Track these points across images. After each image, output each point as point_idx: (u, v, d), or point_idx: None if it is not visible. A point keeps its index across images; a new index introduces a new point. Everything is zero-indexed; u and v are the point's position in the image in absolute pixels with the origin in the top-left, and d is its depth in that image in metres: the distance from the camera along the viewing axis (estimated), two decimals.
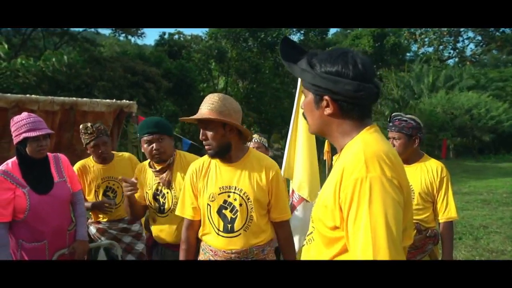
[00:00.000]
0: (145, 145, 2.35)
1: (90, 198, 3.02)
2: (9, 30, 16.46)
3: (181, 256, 2.08)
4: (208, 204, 1.97)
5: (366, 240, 0.98)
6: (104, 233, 2.99)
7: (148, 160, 2.49)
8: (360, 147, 1.09)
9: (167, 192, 2.38)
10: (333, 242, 1.12)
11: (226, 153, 1.93)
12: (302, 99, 3.54)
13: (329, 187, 1.11)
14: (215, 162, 2.00)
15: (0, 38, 7.56)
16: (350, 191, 1.02)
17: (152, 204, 2.41)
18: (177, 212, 2.11)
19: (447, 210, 2.40)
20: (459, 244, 5.12)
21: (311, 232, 1.24)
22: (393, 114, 2.52)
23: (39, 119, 2.38)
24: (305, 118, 1.28)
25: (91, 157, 3.06)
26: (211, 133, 1.88)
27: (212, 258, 1.97)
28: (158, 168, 2.40)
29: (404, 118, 2.43)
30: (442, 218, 2.42)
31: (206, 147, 1.92)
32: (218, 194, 1.94)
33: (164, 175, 2.38)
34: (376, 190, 1.00)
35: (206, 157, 2.04)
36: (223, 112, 1.87)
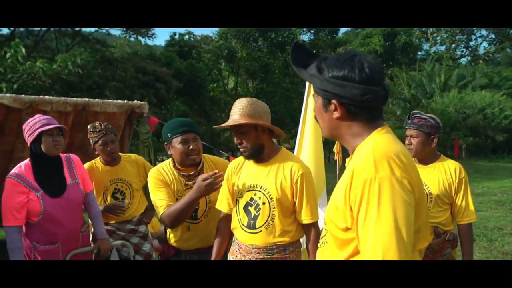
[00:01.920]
0: (179, 145, 2.21)
1: (99, 200, 3.02)
2: (22, 31, 16.73)
3: (214, 245, 2.18)
4: (237, 200, 2.07)
5: (375, 241, 0.98)
6: (112, 235, 3.00)
7: (165, 166, 2.36)
8: (370, 148, 1.09)
9: None
10: (346, 244, 1.12)
11: (260, 154, 2.01)
12: (310, 101, 3.55)
13: (340, 189, 1.12)
14: (249, 161, 2.08)
15: (18, 42, 7.64)
16: (359, 191, 1.02)
17: None
18: (216, 206, 2.21)
19: (467, 212, 2.34)
20: (473, 246, 5.04)
21: (324, 235, 1.24)
22: (412, 111, 2.47)
23: (51, 117, 2.42)
24: (317, 121, 1.30)
25: (98, 158, 3.05)
26: (245, 136, 1.96)
27: (237, 251, 2.07)
28: (189, 173, 2.31)
29: (424, 116, 2.38)
30: (461, 221, 2.36)
31: (241, 149, 2.00)
32: (246, 191, 2.03)
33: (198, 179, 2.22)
34: (385, 191, 0.99)
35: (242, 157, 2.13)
36: (254, 115, 1.94)
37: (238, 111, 1.97)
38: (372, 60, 1.15)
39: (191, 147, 2.22)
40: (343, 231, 1.11)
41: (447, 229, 2.38)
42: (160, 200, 2.22)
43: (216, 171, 2.04)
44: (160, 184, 2.28)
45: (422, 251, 1.14)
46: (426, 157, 2.39)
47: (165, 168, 2.35)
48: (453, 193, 2.36)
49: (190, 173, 2.31)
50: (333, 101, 1.16)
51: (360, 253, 1.07)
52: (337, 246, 1.16)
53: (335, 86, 1.14)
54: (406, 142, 2.39)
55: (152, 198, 2.28)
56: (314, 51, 1.36)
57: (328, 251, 1.21)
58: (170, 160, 2.37)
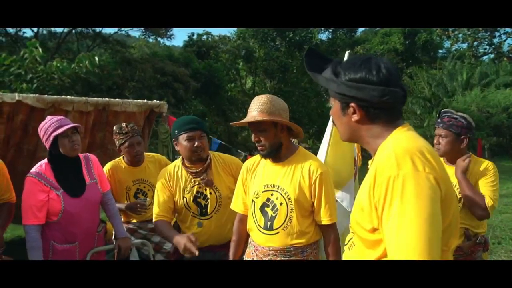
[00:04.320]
0: (185, 142, 2.28)
1: (121, 200, 3.05)
2: (45, 34, 17.12)
3: (231, 247, 2.18)
4: (253, 200, 2.04)
5: (399, 240, 0.96)
6: (134, 233, 3.04)
7: (176, 163, 2.44)
8: (391, 146, 1.08)
9: (210, 193, 2.35)
10: (375, 245, 1.10)
11: (278, 153, 1.98)
12: None
13: (364, 190, 1.11)
14: (265, 160, 2.06)
15: (34, 42, 7.81)
16: (383, 190, 1.01)
17: (193, 208, 2.36)
18: (231, 206, 2.21)
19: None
20: (499, 249, 4.90)
21: (351, 238, 1.23)
22: (443, 110, 2.40)
23: (63, 117, 2.40)
24: (335, 125, 1.29)
25: (121, 158, 3.08)
26: (263, 134, 1.92)
27: (254, 253, 2.04)
28: (196, 169, 2.35)
29: (455, 116, 2.30)
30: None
31: (259, 148, 1.96)
32: (262, 192, 2.00)
33: (205, 175, 2.34)
34: (409, 187, 0.97)
35: (258, 155, 2.11)
36: (273, 112, 1.91)
37: (257, 108, 1.93)
38: (388, 62, 1.15)
39: (196, 144, 2.27)
40: (370, 233, 1.09)
41: (478, 232, 2.30)
42: (156, 207, 2.37)
43: (197, 253, 2.00)
44: (163, 188, 2.38)
45: (452, 251, 1.11)
46: (455, 158, 2.32)
47: (175, 167, 2.42)
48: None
49: (197, 170, 2.35)
50: (352, 104, 1.16)
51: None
52: (366, 247, 1.14)
53: (353, 89, 1.13)
54: (435, 141, 2.33)
55: (155, 198, 2.41)
56: (332, 50, 1.34)
57: (357, 253, 1.19)
58: (180, 157, 2.43)
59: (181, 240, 2.07)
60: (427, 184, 0.98)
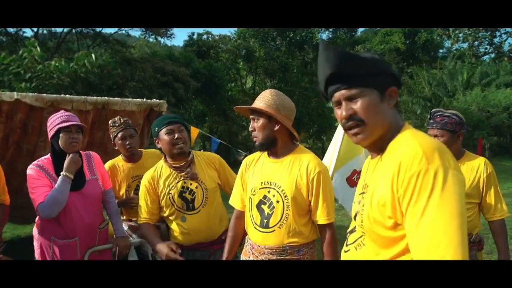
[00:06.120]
0: (165, 136, 2.31)
1: (122, 197, 3.05)
2: (45, 34, 17.13)
3: (227, 243, 2.17)
4: (250, 197, 2.02)
5: (431, 237, 0.92)
6: (136, 231, 3.03)
7: (158, 164, 2.45)
8: (413, 141, 1.04)
9: (196, 187, 2.36)
10: (392, 243, 1.06)
11: (272, 147, 1.98)
12: None
13: (383, 186, 1.05)
14: (263, 157, 2.05)
15: (33, 41, 7.81)
16: (411, 184, 0.97)
17: (178, 203, 2.36)
18: (230, 202, 2.20)
19: (500, 207, 2.27)
20: None
21: (359, 237, 1.18)
22: (433, 110, 2.39)
23: (73, 114, 2.45)
24: (348, 129, 1.16)
25: (120, 156, 3.08)
26: (257, 124, 1.95)
27: (250, 251, 2.02)
28: (179, 164, 2.36)
29: (447, 114, 2.30)
30: (493, 217, 2.28)
31: (253, 138, 1.98)
32: (259, 189, 1.98)
33: (189, 169, 2.36)
34: (439, 181, 0.94)
35: (258, 152, 2.11)
36: (271, 106, 1.92)
37: (259, 99, 1.98)
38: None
39: (176, 136, 2.30)
40: (391, 230, 1.05)
41: (473, 232, 2.30)
42: (141, 211, 2.44)
43: (181, 259, 2.21)
44: (147, 192, 2.42)
45: None
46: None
47: (157, 168, 2.44)
48: (481, 190, 2.28)
49: (181, 164, 2.35)
50: (392, 87, 1.14)
51: (410, 251, 1.00)
52: (380, 246, 1.09)
53: (382, 64, 1.13)
54: None
55: (139, 201, 2.46)
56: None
57: (367, 253, 1.14)
58: (163, 156, 2.44)
59: (163, 250, 2.24)
60: (456, 180, 0.96)
